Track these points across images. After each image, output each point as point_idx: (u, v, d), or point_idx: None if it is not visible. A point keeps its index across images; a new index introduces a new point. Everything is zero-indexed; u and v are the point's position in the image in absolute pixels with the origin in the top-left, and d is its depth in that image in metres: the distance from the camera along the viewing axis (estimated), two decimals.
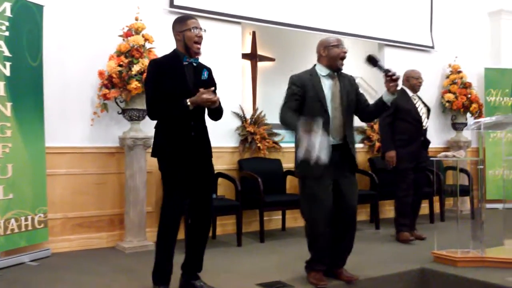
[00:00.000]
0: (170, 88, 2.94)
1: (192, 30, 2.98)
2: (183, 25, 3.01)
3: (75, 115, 4.37)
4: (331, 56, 3.27)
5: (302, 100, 3.25)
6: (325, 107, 3.22)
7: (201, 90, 2.91)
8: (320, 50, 3.34)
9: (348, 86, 3.35)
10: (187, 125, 2.99)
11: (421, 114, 4.77)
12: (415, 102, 4.82)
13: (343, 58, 3.27)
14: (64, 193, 4.29)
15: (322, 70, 3.32)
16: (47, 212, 4.06)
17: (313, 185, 3.20)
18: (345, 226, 3.31)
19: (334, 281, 3.32)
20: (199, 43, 3.01)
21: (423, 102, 4.90)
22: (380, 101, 3.27)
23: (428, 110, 4.92)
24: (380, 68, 3.22)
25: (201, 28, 3.02)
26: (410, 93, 4.84)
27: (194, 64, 3.07)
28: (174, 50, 3.09)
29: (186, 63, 3.03)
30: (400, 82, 3.27)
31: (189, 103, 2.90)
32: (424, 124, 4.78)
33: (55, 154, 4.22)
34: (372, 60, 3.26)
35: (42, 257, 3.99)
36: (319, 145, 2.83)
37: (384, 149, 4.72)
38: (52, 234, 4.18)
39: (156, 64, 3.05)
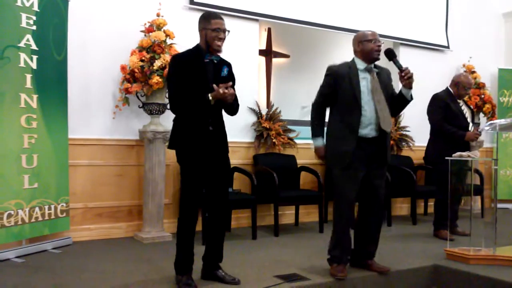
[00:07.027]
0: (191, 84, 3.00)
1: (214, 30, 3.02)
2: (207, 23, 3.04)
3: (97, 108, 4.49)
4: (366, 51, 3.34)
5: (333, 91, 3.36)
6: (359, 101, 3.28)
7: (215, 86, 2.96)
8: (354, 45, 3.42)
9: (386, 80, 3.44)
10: (205, 120, 3.06)
11: (467, 119, 4.77)
12: (461, 105, 4.81)
13: (378, 51, 3.34)
14: (85, 183, 4.42)
15: (359, 63, 3.38)
16: (69, 202, 4.18)
17: (338, 175, 3.35)
18: (372, 217, 3.45)
19: (365, 272, 3.46)
20: (220, 42, 3.05)
21: (467, 105, 4.91)
22: (400, 94, 3.39)
23: (472, 112, 4.89)
24: (395, 63, 3.34)
25: (224, 30, 3.04)
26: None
27: (215, 61, 3.12)
28: (197, 45, 3.13)
29: (207, 60, 3.08)
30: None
31: (211, 98, 2.97)
32: (469, 129, 4.73)
33: (77, 145, 4.34)
34: (389, 54, 3.38)
35: (64, 245, 4.12)
36: None
37: (462, 137, 4.62)
38: (73, 223, 4.30)
39: (177, 60, 3.09)
